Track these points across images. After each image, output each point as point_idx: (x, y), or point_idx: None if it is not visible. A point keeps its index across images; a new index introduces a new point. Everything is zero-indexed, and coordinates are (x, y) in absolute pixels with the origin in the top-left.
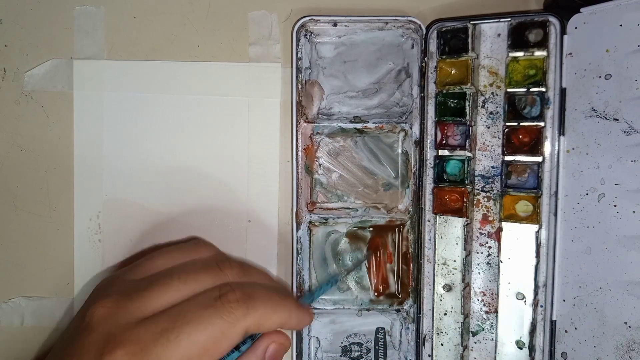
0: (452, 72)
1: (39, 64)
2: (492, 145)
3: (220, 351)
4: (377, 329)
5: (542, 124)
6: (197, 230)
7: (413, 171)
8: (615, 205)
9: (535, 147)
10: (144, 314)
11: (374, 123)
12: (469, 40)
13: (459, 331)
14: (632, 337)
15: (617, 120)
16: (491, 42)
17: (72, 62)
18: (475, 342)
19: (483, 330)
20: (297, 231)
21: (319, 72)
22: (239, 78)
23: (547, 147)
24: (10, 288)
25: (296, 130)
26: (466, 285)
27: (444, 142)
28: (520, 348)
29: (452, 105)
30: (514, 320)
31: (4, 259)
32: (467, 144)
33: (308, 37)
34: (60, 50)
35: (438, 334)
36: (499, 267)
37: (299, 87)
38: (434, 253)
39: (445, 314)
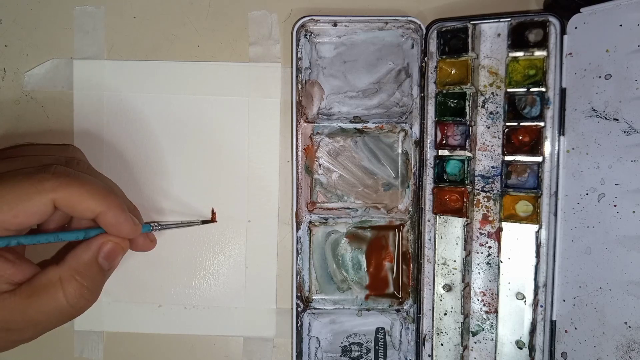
0: (452, 72)
1: (39, 64)
2: (492, 145)
3: (26, 213)
4: (377, 329)
5: (542, 124)
6: (197, 230)
7: (413, 171)
8: (615, 205)
9: (535, 147)
10: None
11: (374, 123)
12: (469, 40)
13: (459, 331)
14: (632, 337)
15: (617, 120)
16: (491, 42)
17: (72, 62)
18: (475, 342)
19: (483, 330)
20: (297, 231)
21: (319, 72)
22: (239, 78)
23: (547, 147)
24: None
25: (296, 130)
26: (466, 285)
27: (444, 142)
28: (520, 348)
29: (452, 105)
30: (514, 320)
31: None
32: (467, 144)
33: (308, 37)
34: (60, 50)
35: (438, 334)
36: (499, 267)
37: (299, 87)
38: (434, 253)
39: (445, 314)
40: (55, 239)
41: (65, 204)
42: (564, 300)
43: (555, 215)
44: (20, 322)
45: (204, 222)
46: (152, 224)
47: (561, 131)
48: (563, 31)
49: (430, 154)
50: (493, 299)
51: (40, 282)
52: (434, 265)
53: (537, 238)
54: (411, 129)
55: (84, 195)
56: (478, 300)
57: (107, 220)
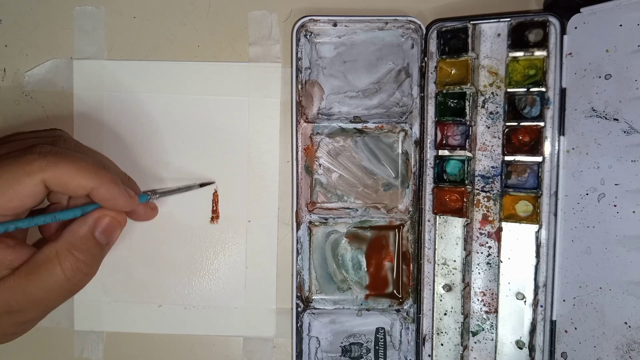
0: (452, 72)
1: (39, 64)
2: (492, 145)
3: (19, 197)
4: (377, 329)
5: (542, 124)
6: (197, 229)
7: (413, 171)
8: (615, 205)
9: (535, 147)
10: None
11: (374, 123)
12: (469, 40)
13: (459, 331)
14: (632, 337)
15: (617, 120)
16: (491, 42)
17: (72, 62)
18: (475, 342)
19: (483, 330)
20: (297, 231)
21: (319, 72)
22: (239, 78)
23: (547, 147)
24: None
25: (296, 130)
26: (466, 285)
27: (444, 142)
28: (520, 348)
29: (452, 105)
30: (514, 320)
31: None
32: (467, 144)
33: (308, 37)
34: (60, 50)
35: (438, 334)
36: (499, 267)
37: (299, 87)
38: (434, 253)
39: (445, 314)
40: (53, 219)
41: (56, 183)
42: (564, 300)
43: (555, 215)
44: (22, 302)
45: (202, 185)
46: (149, 193)
47: (561, 131)
48: (563, 31)
49: (430, 154)
50: (493, 299)
51: (38, 259)
52: (434, 265)
53: (537, 238)
54: (411, 129)
55: (74, 173)
56: (478, 300)
57: (101, 195)
